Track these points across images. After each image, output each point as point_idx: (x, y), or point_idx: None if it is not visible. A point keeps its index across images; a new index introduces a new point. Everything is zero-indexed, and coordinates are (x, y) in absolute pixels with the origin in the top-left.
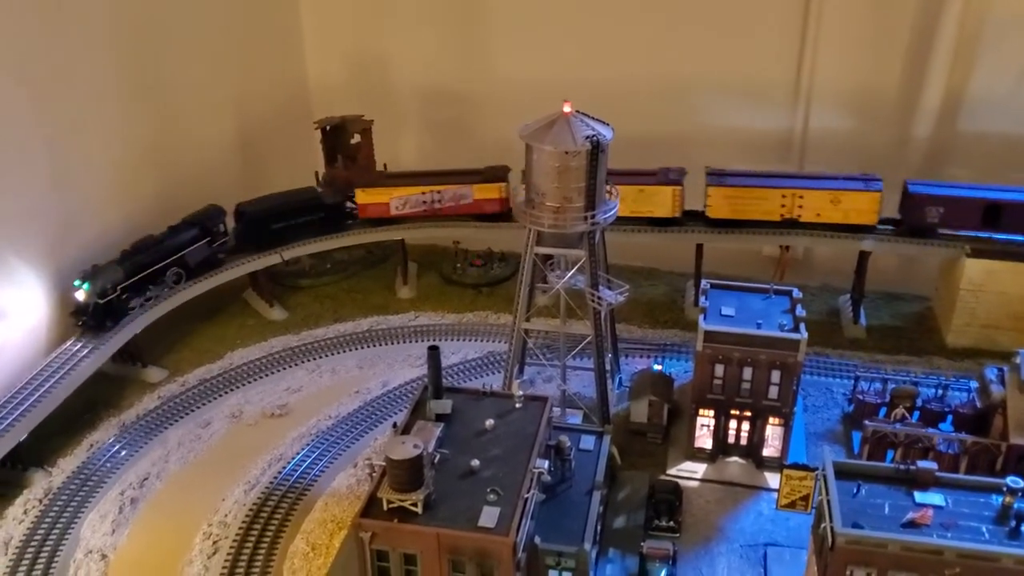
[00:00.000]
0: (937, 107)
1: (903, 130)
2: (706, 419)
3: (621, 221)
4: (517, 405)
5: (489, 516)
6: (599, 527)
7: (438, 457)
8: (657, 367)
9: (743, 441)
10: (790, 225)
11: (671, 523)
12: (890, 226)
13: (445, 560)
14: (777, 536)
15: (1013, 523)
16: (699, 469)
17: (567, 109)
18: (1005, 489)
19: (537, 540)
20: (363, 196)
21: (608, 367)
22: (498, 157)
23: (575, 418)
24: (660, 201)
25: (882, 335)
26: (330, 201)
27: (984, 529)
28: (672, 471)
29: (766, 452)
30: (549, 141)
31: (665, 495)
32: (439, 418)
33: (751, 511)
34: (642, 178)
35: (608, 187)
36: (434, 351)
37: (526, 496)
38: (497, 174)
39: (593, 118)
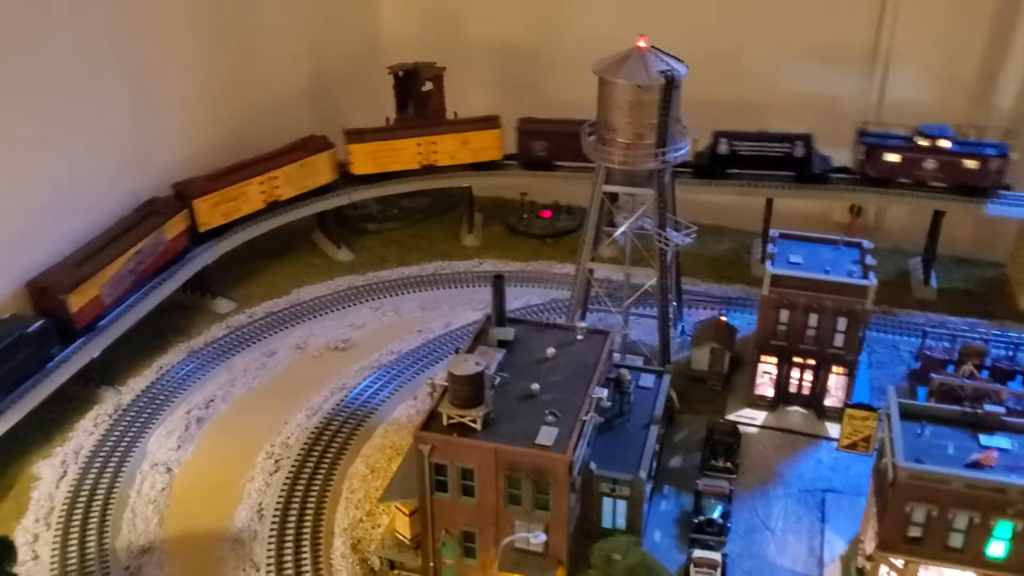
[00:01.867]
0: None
1: (986, 96)
2: (768, 366)
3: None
4: (579, 337)
5: (547, 435)
6: (655, 463)
7: (498, 379)
8: (722, 318)
9: (805, 390)
10: (428, 172)
11: (728, 464)
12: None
13: (502, 476)
14: (836, 483)
15: None
16: (759, 416)
17: (642, 44)
18: None
19: (592, 466)
20: (76, 300)
21: (671, 315)
22: (565, 113)
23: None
24: None
25: (953, 297)
26: (34, 328)
27: None
28: (731, 417)
29: (828, 402)
30: (623, 75)
31: (723, 436)
32: (501, 345)
33: (810, 458)
34: None
35: (681, 125)
36: (499, 280)
37: (584, 418)
38: (171, 205)
39: (668, 54)
